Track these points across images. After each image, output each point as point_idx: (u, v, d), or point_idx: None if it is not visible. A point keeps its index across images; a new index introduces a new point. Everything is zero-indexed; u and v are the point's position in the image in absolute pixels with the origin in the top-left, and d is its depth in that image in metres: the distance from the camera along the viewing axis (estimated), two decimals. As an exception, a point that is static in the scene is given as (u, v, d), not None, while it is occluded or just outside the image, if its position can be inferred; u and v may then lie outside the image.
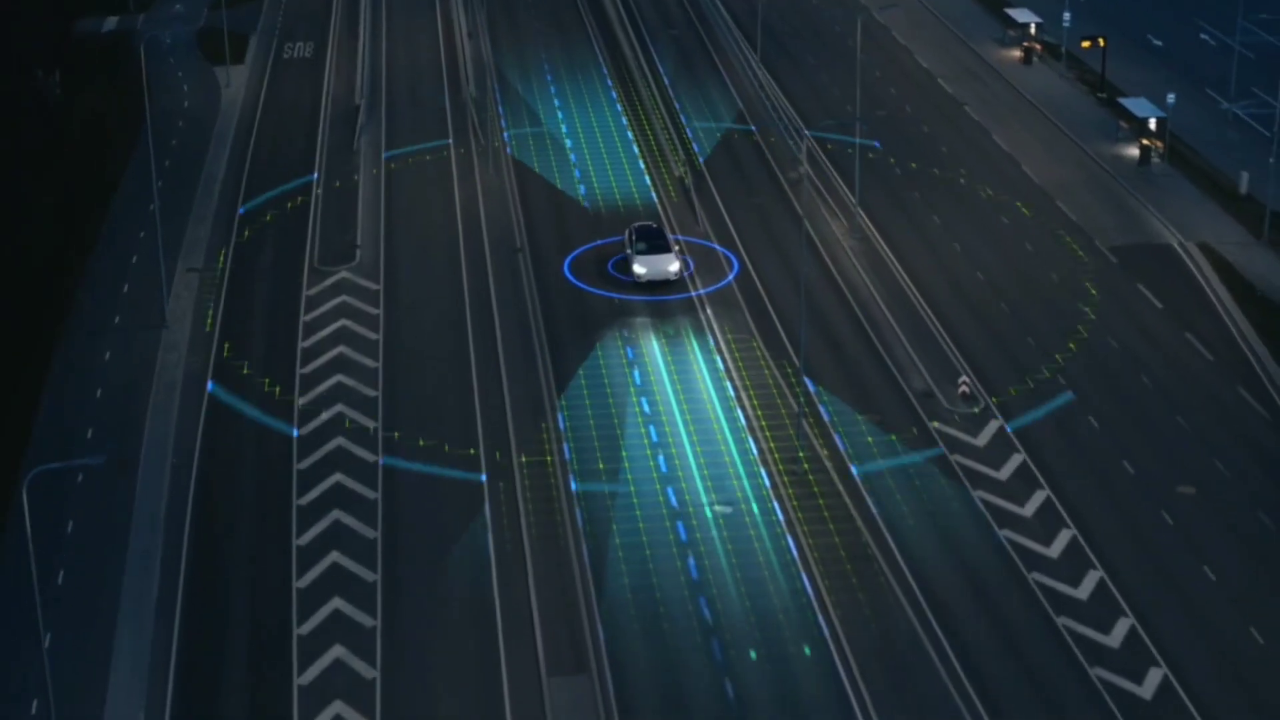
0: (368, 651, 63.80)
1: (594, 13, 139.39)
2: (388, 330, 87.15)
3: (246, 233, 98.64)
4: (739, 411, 79.32)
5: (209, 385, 72.98)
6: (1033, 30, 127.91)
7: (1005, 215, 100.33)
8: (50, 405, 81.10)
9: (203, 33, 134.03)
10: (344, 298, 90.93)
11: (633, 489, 73.48)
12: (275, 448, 76.97)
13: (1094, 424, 78.48)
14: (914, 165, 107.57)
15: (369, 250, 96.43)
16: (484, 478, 74.29)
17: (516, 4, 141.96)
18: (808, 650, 63.51)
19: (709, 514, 71.74)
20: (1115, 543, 69.84)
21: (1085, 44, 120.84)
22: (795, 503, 72.37)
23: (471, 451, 76.14)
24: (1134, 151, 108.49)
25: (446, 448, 76.55)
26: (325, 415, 79.22)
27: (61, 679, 61.88)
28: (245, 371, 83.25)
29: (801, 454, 75.57)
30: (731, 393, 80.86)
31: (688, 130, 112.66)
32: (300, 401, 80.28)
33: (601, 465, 75.17)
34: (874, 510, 71.83)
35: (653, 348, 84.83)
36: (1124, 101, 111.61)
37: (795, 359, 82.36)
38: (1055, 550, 69.44)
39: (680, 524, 71.15)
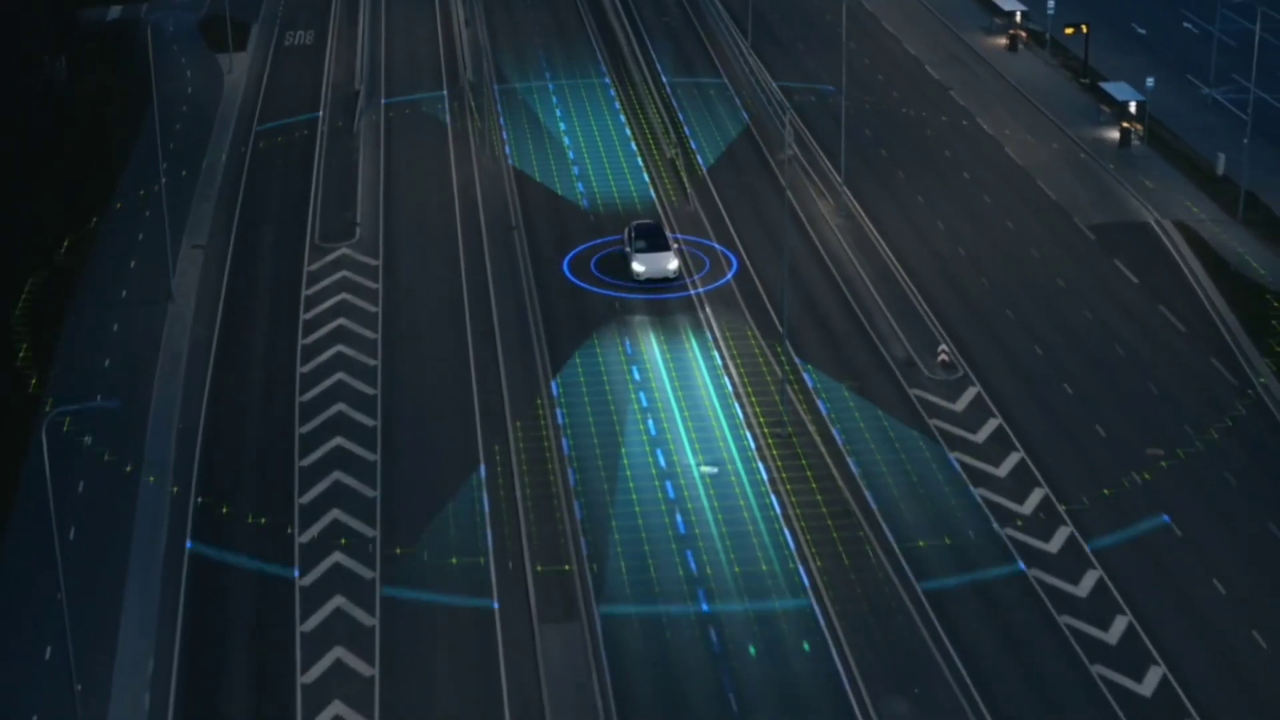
0: (367, 603, 66.62)
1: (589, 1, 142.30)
2: (386, 303, 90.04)
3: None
4: (726, 379, 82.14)
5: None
6: (1018, 18, 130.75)
7: (988, 195, 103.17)
8: (60, 374, 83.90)
9: (205, 21, 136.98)
10: (344, 273, 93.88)
11: (623, 450, 76.31)
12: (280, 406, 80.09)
13: (1068, 390, 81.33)
14: (900, 148, 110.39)
15: (368, 227, 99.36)
16: (480, 437, 77.28)
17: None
18: (790, 599, 66.35)
19: (696, 474, 74.59)
20: (1084, 495, 72.77)
21: (1068, 30, 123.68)
22: (779, 464, 75.23)
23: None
24: (1114, 134, 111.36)
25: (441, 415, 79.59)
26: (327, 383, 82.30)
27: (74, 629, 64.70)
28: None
29: (785, 418, 78.41)
30: (719, 362, 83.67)
31: (680, 114, 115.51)
32: (302, 369, 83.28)
33: (594, 429, 77.98)
34: (854, 470, 74.71)
35: (646, 327, 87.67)
36: (1105, 86, 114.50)
37: (779, 326, 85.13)
38: (1028, 508, 72.30)
39: (669, 483, 74.00)
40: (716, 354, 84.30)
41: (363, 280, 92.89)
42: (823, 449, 76.35)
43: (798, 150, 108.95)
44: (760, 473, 74.66)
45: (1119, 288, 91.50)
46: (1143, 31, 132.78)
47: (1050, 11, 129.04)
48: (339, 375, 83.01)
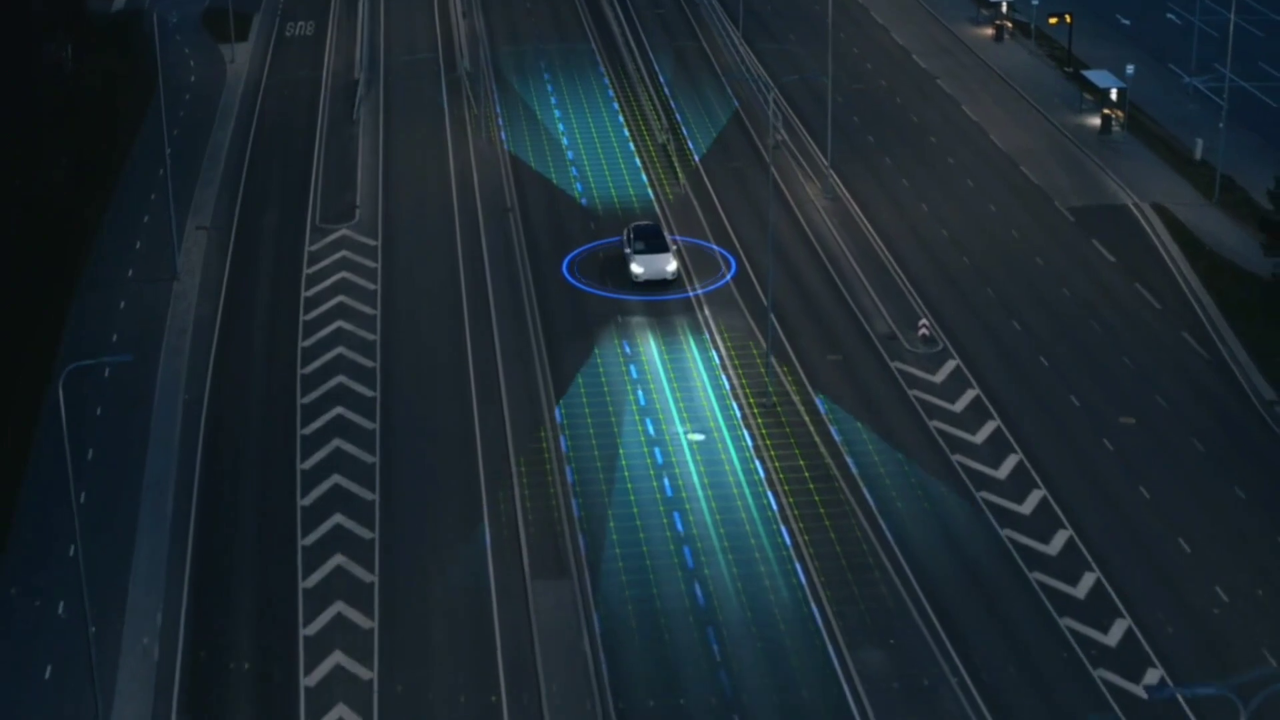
0: (366, 560, 69.50)
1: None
2: (385, 281, 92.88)
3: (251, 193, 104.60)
4: (714, 352, 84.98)
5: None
6: (1004, 9, 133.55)
7: (971, 179, 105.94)
8: (69, 350, 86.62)
9: (208, 12, 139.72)
10: (344, 252, 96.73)
11: (613, 419, 79.16)
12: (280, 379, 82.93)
13: (1044, 362, 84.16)
14: (887, 134, 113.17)
15: (367, 210, 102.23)
16: (475, 405, 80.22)
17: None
18: (772, 556, 69.21)
19: (684, 441, 77.46)
20: (1058, 464, 75.68)
21: (1052, 20, 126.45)
22: (763, 431, 78.08)
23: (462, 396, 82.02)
24: (1096, 121, 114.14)
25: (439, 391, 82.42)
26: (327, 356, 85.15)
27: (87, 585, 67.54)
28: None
29: (770, 389, 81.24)
30: (707, 337, 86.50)
31: (672, 101, 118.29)
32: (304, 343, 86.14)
33: (585, 401, 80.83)
34: (836, 437, 77.57)
35: (638, 312, 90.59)
36: (1087, 74, 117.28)
37: (764, 298, 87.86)
38: (1003, 473, 75.18)
39: (657, 449, 76.86)
40: (706, 335, 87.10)
41: (362, 259, 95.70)
42: (805, 418, 79.17)
43: (785, 136, 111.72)
44: (745, 439, 77.47)
45: (1097, 267, 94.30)
46: (1126, 22, 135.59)
47: (1035, 2, 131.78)
48: (339, 349, 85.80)
